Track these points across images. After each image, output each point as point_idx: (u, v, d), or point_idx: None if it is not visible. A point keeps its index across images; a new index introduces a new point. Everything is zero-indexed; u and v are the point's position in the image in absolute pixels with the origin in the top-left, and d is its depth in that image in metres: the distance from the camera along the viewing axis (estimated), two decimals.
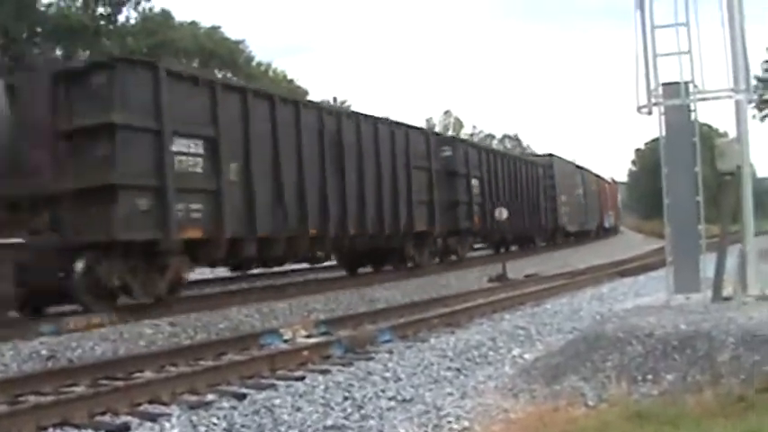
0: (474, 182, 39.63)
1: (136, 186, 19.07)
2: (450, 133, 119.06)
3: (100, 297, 19.13)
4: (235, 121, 22.14)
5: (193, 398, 11.55)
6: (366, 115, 29.95)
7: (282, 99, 24.98)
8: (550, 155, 60.65)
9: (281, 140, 23.85)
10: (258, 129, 22.94)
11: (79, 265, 18.61)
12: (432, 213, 33.33)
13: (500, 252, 46.74)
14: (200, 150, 20.87)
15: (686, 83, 13.49)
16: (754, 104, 75.80)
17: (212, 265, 26.18)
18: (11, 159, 18.61)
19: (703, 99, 13.75)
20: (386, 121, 31.68)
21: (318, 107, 28.30)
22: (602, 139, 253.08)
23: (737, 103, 13.95)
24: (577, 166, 69.86)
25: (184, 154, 20.33)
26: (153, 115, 19.53)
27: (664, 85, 13.72)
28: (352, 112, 33.09)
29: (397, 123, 32.45)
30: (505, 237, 45.35)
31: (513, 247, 49.00)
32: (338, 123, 27.11)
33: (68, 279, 18.68)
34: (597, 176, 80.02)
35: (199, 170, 20.79)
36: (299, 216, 24.40)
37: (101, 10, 60.34)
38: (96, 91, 18.87)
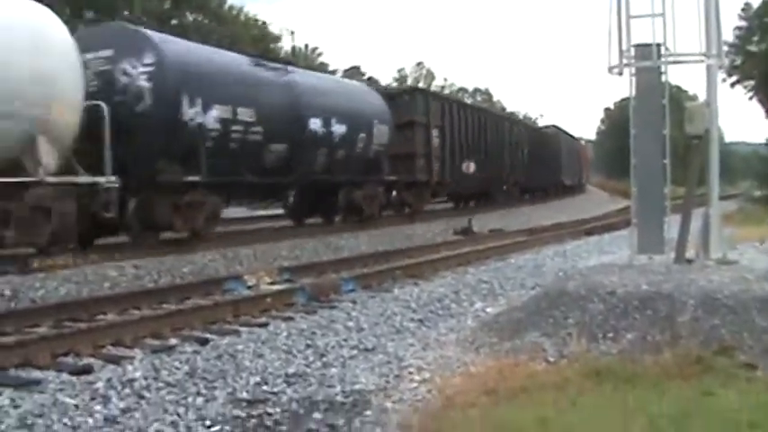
0: (434, 133, 38.91)
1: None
2: (421, 84, 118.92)
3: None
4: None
5: (156, 341, 11.58)
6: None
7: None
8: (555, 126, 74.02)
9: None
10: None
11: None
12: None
13: (460, 206, 46.68)
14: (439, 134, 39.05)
15: (658, 45, 13.49)
16: (724, 70, 76.23)
17: None
18: None
19: (675, 62, 13.77)
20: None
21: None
22: (574, 98, 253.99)
23: (708, 67, 14.00)
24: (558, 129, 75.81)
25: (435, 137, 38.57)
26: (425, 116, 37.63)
27: (636, 46, 13.73)
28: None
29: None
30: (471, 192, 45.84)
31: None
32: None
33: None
34: (574, 138, 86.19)
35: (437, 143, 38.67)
36: None
37: None
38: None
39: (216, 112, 22.52)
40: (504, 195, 52.04)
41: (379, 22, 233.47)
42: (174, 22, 63.62)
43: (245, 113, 23.62)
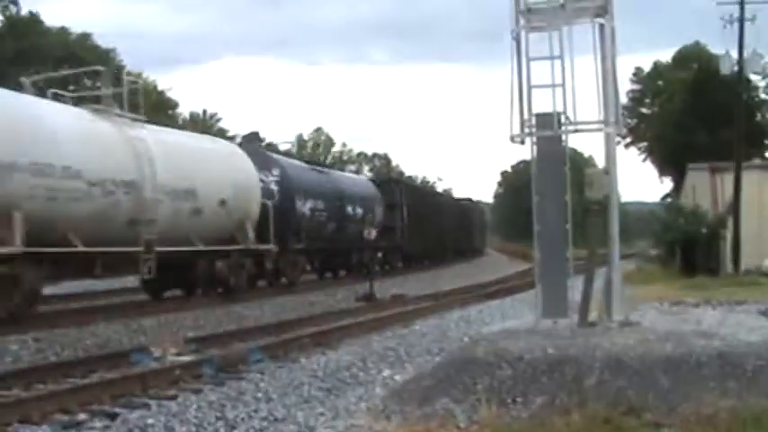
0: (405, 211, 53.62)
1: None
2: (320, 150, 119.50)
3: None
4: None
5: (65, 417, 11.42)
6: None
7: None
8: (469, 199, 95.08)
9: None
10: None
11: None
12: None
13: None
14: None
15: (558, 114, 13.77)
16: (623, 142, 78.01)
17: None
18: None
19: (575, 131, 14.06)
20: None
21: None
22: (470, 160, 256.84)
23: (607, 135, 14.34)
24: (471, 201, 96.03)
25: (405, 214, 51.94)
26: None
27: (537, 115, 13.97)
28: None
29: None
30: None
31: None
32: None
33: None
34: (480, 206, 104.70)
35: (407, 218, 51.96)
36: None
37: None
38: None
39: (309, 204, 37.65)
40: (445, 255, 66.33)
41: (277, 88, 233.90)
42: (71, 87, 63.19)
43: (319, 204, 38.78)
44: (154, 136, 26.10)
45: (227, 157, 30.15)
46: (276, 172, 34.88)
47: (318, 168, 44.34)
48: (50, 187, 20.78)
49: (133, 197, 23.61)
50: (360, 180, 51.85)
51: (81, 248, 21.59)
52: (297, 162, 42.35)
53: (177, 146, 27.52)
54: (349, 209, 42.63)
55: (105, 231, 22.57)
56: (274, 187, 33.84)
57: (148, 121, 27.83)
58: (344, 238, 41.31)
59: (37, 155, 20.52)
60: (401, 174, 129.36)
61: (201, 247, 26.86)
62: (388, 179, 67.24)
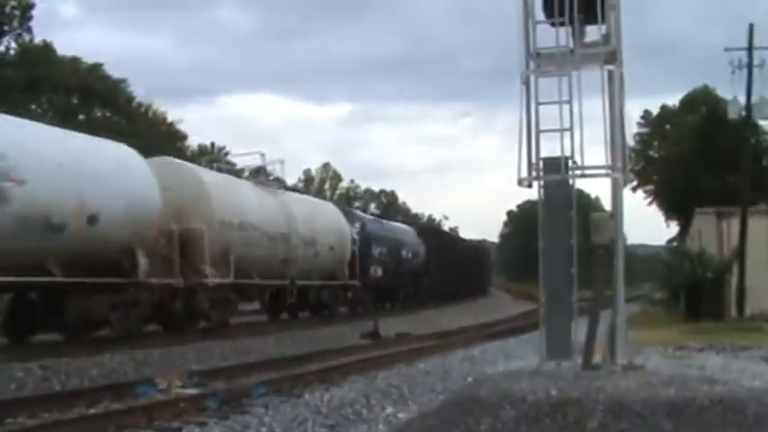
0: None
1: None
2: (326, 186, 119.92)
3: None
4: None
5: None
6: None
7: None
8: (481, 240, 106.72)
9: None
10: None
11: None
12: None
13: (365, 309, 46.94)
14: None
15: (566, 158, 13.87)
16: (630, 185, 78.03)
17: None
18: None
19: (582, 176, 14.17)
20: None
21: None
22: (477, 199, 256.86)
23: (614, 180, 14.45)
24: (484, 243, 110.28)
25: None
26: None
27: (544, 159, 14.08)
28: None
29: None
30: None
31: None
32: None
33: None
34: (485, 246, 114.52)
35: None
36: None
37: None
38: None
39: (378, 249, 48.70)
40: (458, 293, 70.36)
41: (286, 123, 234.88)
42: (81, 117, 63.49)
43: (384, 249, 49.91)
44: (294, 199, 38.96)
45: (330, 213, 41.70)
46: (357, 224, 45.91)
47: (382, 221, 58.07)
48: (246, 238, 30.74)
49: (285, 244, 33.98)
50: (408, 229, 61.64)
51: (257, 281, 32.07)
52: (369, 216, 56.18)
53: (305, 206, 39.42)
54: (403, 252, 54.69)
55: (270, 268, 32.68)
56: (356, 236, 43.88)
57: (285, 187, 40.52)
58: (400, 276, 52.94)
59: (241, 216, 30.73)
60: (408, 211, 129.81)
61: (318, 282, 37.64)
62: (423, 228, 76.61)
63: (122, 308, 23.76)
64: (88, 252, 22.34)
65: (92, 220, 22.22)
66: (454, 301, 64.51)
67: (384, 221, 57.91)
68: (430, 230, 76.92)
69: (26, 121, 24.19)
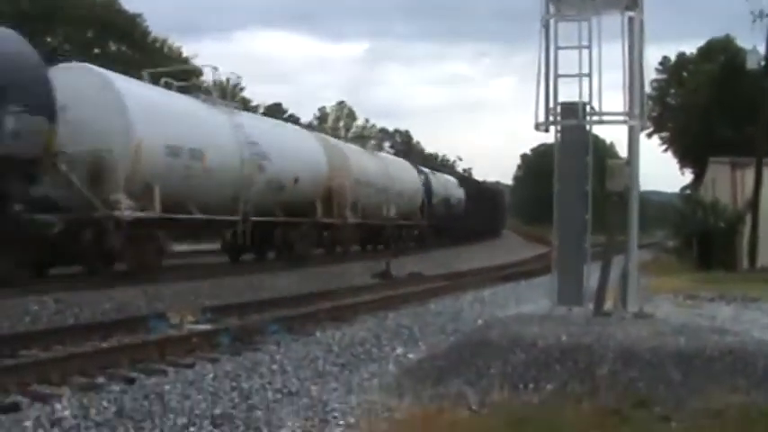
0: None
1: None
2: (341, 124, 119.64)
3: None
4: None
5: (83, 379, 11.60)
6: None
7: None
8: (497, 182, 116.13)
9: None
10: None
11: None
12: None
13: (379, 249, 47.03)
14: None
15: (584, 104, 13.82)
16: (646, 132, 77.34)
17: None
18: None
19: (599, 122, 14.13)
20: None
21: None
22: (491, 141, 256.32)
23: (631, 128, 14.40)
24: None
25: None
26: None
27: (562, 104, 14.03)
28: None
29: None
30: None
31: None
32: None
33: None
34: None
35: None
36: None
37: None
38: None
39: (434, 198, 57.59)
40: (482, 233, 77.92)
41: (301, 60, 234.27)
42: (96, 51, 63.25)
43: (439, 198, 59.21)
44: (389, 161, 52.63)
45: (407, 170, 54.48)
46: (422, 177, 56.13)
47: (436, 173, 65.45)
48: (368, 191, 42.97)
49: (385, 195, 46.30)
50: (452, 180, 71.67)
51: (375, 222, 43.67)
52: (428, 170, 61.93)
53: (394, 164, 52.50)
54: (451, 200, 64.63)
55: (379, 212, 45.63)
56: (422, 186, 54.82)
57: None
58: (450, 218, 62.24)
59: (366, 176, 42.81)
60: (422, 151, 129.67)
61: (402, 221, 50.54)
62: (461, 178, 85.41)
63: (306, 236, 34.75)
64: (294, 202, 33.01)
65: (296, 181, 32.62)
66: (467, 243, 64.65)
67: (437, 174, 66.43)
68: (466, 180, 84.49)
69: (263, 119, 43.58)
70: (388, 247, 44.88)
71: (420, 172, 56.96)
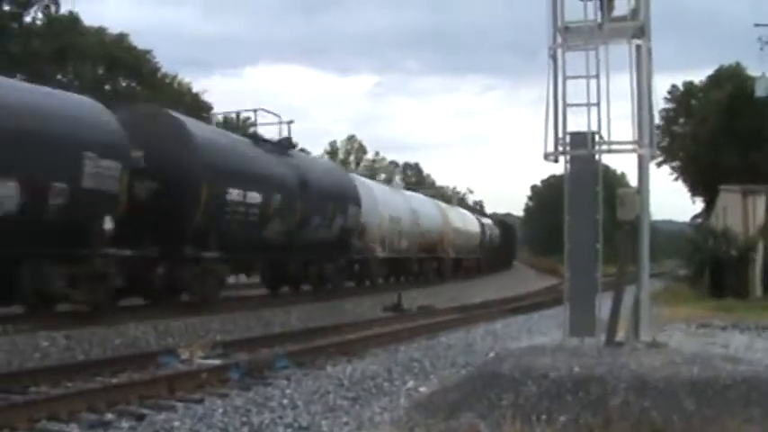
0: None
1: None
2: (351, 158, 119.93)
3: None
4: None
5: (93, 416, 11.54)
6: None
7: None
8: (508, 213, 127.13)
9: None
10: None
11: None
12: None
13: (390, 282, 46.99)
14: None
15: (593, 133, 13.79)
16: (655, 160, 77.19)
17: None
18: None
19: (608, 151, 14.10)
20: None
21: None
22: (501, 173, 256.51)
23: (640, 156, 14.36)
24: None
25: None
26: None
27: (571, 134, 14.00)
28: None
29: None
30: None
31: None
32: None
33: None
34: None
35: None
36: None
37: (6, 8, 59.26)
38: None
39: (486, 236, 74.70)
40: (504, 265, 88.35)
41: (310, 95, 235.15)
42: (107, 87, 63.50)
43: (488, 234, 76.45)
44: (447, 207, 64.49)
45: (468, 216, 71.45)
46: (479, 221, 74.42)
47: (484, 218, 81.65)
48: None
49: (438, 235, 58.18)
50: (490, 222, 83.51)
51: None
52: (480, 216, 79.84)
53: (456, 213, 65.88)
54: (493, 237, 79.14)
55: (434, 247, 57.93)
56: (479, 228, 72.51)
57: None
58: (492, 253, 76.82)
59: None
60: (433, 183, 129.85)
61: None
62: (494, 218, 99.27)
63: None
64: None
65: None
66: (478, 275, 64.72)
67: (485, 218, 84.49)
68: (496, 220, 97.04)
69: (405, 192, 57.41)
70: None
71: (477, 219, 75.19)
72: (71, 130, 20.30)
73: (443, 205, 63.07)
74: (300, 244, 30.74)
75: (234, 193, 25.92)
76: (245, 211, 26.73)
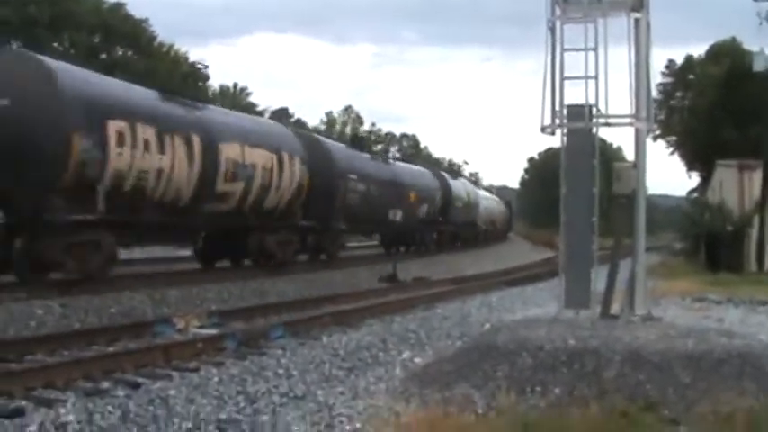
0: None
1: None
2: (348, 129, 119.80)
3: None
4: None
5: (88, 384, 11.56)
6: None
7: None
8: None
9: None
10: None
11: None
12: None
13: (390, 253, 46.96)
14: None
15: (590, 106, 13.77)
16: (652, 134, 76.78)
17: None
18: None
19: (605, 125, 14.08)
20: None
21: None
22: (498, 145, 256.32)
23: (637, 130, 14.35)
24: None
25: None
26: None
27: (568, 107, 13.99)
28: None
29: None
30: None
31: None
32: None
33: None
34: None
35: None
36: None
37: None
38: None
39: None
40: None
41: (307, 65, 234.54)
42: (103, 56, 63.27)
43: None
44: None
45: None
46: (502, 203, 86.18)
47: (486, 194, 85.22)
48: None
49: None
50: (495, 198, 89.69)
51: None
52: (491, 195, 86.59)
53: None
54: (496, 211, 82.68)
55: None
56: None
57: None
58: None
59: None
60: (429, 155, 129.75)
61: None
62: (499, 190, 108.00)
63: None
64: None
65: None
66: (475, 247, 64.67)
67: (488, 195, 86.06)
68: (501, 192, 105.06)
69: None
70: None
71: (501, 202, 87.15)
72: None
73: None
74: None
75: None
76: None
